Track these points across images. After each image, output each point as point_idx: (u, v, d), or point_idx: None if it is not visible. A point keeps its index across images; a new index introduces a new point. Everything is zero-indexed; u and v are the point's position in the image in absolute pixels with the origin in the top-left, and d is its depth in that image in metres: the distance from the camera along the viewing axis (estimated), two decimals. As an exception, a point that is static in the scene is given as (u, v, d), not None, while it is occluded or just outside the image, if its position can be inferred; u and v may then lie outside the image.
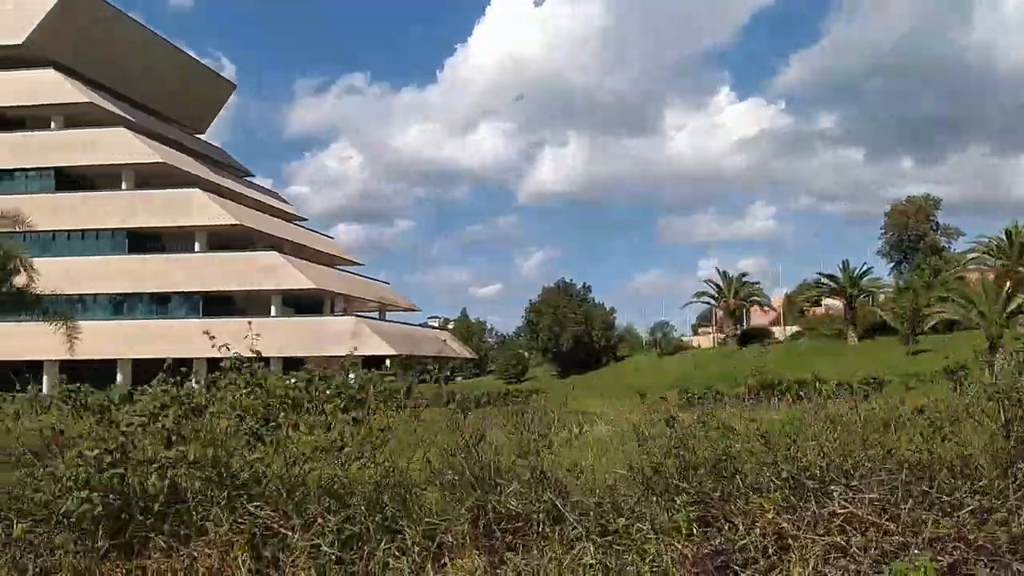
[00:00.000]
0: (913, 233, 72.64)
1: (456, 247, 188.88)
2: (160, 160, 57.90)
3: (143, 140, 59.15)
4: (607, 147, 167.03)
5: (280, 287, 57.07)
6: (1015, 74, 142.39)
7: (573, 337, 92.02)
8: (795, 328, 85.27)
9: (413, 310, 78.86)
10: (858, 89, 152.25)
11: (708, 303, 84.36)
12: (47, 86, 58.55)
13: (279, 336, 47.31)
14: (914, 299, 62.15)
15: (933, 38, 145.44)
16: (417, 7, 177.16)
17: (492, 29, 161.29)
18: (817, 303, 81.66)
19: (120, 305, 57.03)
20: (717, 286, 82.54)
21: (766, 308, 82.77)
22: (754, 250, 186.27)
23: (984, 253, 61.94)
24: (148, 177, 59.40)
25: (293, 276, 56.99)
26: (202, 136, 78.86)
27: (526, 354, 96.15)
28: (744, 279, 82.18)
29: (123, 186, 59.14)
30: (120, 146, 57.89)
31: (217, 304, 55.45)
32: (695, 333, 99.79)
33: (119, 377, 51.46)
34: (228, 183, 66.70)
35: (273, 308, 57.56)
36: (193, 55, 73.02)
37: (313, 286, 57.82)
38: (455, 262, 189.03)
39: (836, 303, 75.65)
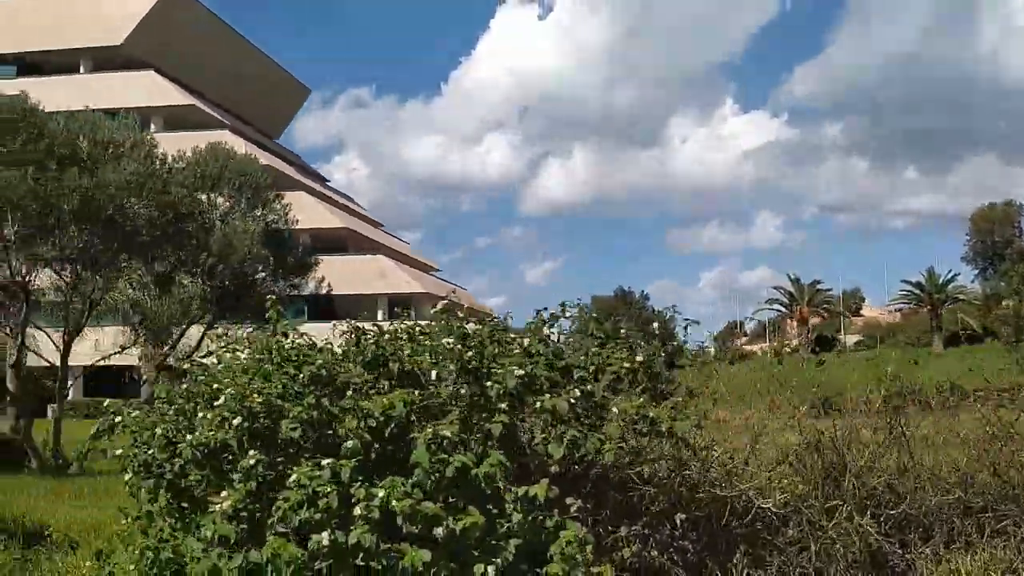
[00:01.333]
0: (999, 239, 72.74)
1: (462, 259, 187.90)
2: (267, 163, 56.00)
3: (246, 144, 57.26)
4: (613, 159, 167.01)
5: (390, 291, 55.59)
6: (1020, 85, 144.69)
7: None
8: (858, 337, 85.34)
9: (492, 316, 77.40)
10: (863, 100, 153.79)
11: (779, 311, 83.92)
12: (147, 87, 56.52)
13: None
14: (1020, 305, 61.98)
15: (938, 49, 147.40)
16: (422, 21, 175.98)
17: (497, 42, 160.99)
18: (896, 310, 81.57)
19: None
20: (789, 293, 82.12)
21: (845, 315, 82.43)
22: (761, 260, 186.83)
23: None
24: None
25: (403, 280, 55.66)
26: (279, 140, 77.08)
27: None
28: (817, 287, 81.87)
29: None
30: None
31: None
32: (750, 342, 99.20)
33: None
34: (317, 187, 65.27)
35: (380, 312, 55.89)
36: (273, 59, 70.87)
37: (421, 290, 56.48)
38: (459, 274, 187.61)
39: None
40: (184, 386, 6.45)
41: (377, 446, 5.57)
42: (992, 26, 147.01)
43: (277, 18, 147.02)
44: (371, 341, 6.26)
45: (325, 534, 5.00)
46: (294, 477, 5.28)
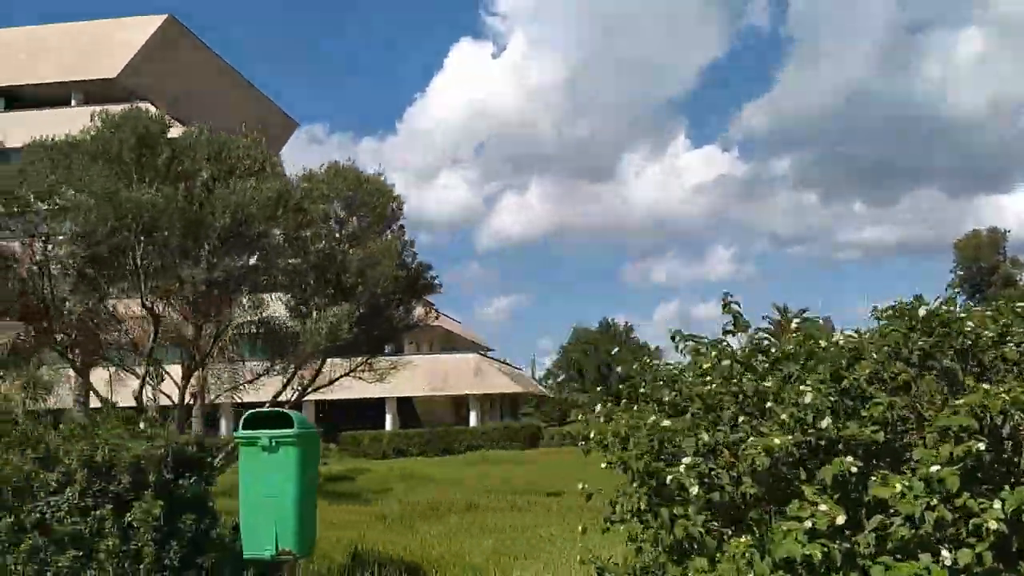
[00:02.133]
0: (984, 265, 73.95)
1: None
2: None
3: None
4: (568, 194, 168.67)
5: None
6: (962, 120, 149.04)
7: (622, 377, 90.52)
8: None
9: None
10: (810, 135, 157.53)
11: (767, 339, 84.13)
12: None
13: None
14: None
15: (882, 85, 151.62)
16: (374, 59, 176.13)
17: (452, 80, 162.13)
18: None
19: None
20: (776, 322, 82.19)
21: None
22: (715, 293, 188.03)
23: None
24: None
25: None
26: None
27: (568, 396, 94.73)
28: (804, 314, 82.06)
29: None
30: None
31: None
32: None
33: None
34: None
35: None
36: (262, 91, 69.98)
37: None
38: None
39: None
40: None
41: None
42: (934, 63, 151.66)
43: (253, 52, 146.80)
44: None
45: (943, 553, 4.44)
46: (888, 487, 4.69)
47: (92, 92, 56.39)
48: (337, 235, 16.51)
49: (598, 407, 6.30)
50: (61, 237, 15.58)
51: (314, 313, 16.13)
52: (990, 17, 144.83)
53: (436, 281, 17.67)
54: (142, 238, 14.88)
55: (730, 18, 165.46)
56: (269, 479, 6.34)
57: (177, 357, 18.33)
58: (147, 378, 16.50)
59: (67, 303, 16.30)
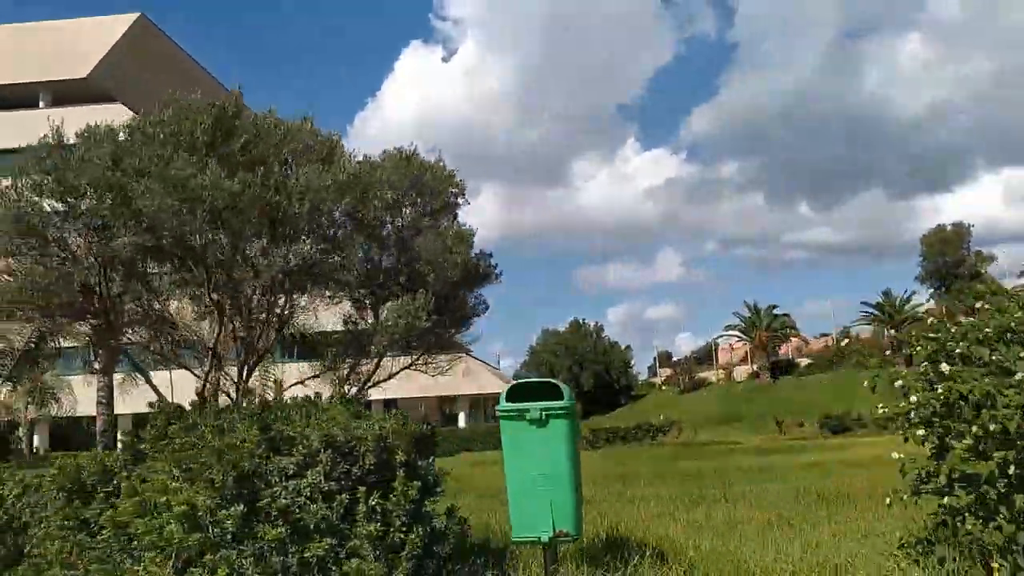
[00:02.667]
0: (951, 259, 75.17)
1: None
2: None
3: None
4: (520, 198, 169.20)
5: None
6: (906, 123, 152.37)
7: (594, 376, 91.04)
8: (807, 360, 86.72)
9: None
10: (756, 138, 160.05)
11: (740, 337, 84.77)
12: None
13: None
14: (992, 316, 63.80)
15: (827, 89, 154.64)
16: (324, 62, 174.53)
17: (402, 84, 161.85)
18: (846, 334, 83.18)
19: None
20: (748, 319, 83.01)
21: (806, 339, 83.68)
22: (665, 295, 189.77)
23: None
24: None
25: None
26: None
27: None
28: (774, 311, 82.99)
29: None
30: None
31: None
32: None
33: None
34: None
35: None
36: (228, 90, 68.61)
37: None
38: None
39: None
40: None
41: None
42: (877, 67, 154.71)
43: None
44: None
45: None
46: None
47: (61, 92, 55.00)
48: (403, 222, 15.91)
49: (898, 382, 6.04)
50: (123, 229, 14.84)
51: (387, 303, 15.57)
52: (931, 21, 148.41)
53: (496, 271, 17.13)
54: (216, 226, 14.22)
55: (679, 24, 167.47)
56: (539, 455, 5.89)
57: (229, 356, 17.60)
58: (208, 377, 15.82)
59: (125, 298, 15.58)
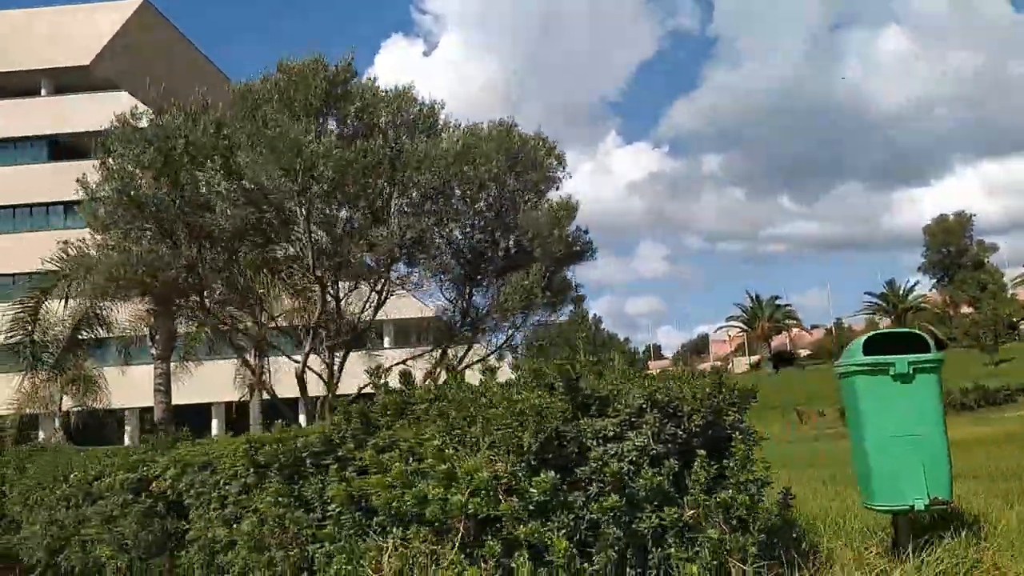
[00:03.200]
0: (954, 249, 75.31)
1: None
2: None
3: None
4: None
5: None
6: (884, 116, 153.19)
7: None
8: (806, 352, 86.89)
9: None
10: (737, 132, 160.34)
11: (742, 328, 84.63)
12: (121, 110, 52.64)
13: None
14: (994, 308, 64.03)
15: (807, 84, 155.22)
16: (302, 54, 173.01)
17: (383, 77, 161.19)
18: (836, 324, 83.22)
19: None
20: (750, 310, 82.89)
21: (808, 330, 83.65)
22: (647, 288, 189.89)
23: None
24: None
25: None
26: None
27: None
28: (776, 302, 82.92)
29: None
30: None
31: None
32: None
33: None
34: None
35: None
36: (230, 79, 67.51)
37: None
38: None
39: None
40: None
41: None
42: (856, 62, 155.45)
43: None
44: None
45: None
46: None
47: (63, 80, 53.85)
48: (505, 195, 15.23)
49: None
50: (225, 202, 14.10)
51: (497, 279, 14.95)
52: (911, 15, 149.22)
53: (592, 247, 16.48)
54: (328, 197, 13.54)
55: (660, 19, 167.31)
56: (906, 413, 5.31)
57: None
58: (307, 361, 15.12)
59: (221, 277, 14.83)
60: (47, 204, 52.60)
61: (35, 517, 11.76)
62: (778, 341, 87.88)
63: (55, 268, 18.57)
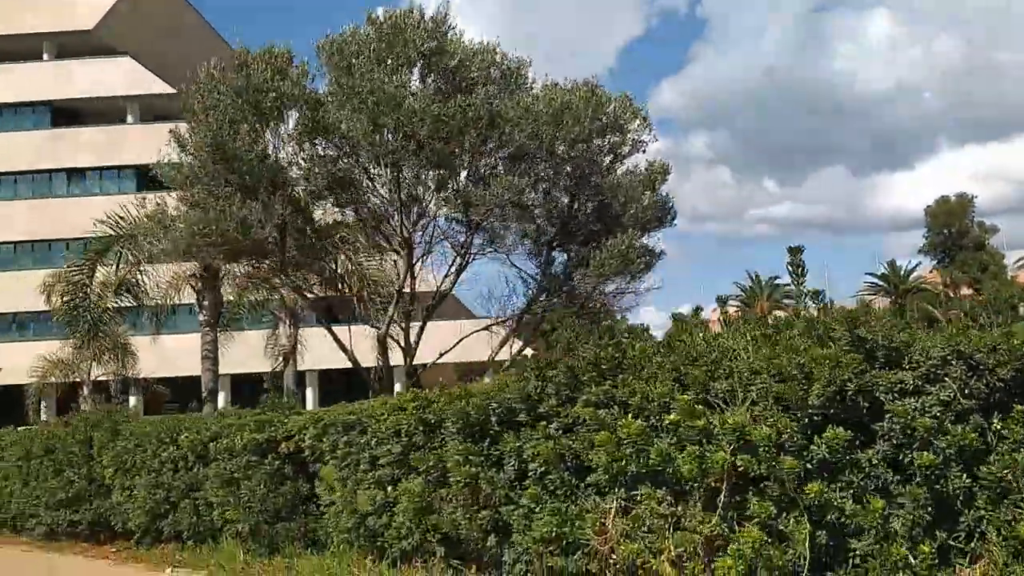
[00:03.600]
0: (955, 230, 75.31)
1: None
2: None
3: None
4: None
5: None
6: (870, 99, 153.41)
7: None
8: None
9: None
10: (724, 113, 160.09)
11: (740, 307, 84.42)
12: (126, 75, 51.84)
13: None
14: (996, 289, 64.26)
15: (795, 66, 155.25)
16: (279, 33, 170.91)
17: None
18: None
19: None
20: (749, 289, 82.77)
21: (806, 309, 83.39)
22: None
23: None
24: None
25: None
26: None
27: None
28: (775, 281, 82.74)
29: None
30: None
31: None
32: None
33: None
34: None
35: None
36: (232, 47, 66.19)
37: None
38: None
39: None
40: None
41: None
42: (845, 44, 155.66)
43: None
44: None
45: None
46: None
47: (66, 45, 52.65)
48: (592, 157, 14.76)
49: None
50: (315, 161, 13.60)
51: (587, 243, 14.53)
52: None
53: (673, 212, 16.00)
54: (419, 153, 13.03)
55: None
56: None
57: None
58: (390, 326, 14.65)
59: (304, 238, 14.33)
60: (49, 171, 51.57)
61: (133, 481, 11.28)
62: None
63: (110, 232, 17.96)
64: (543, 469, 6.69)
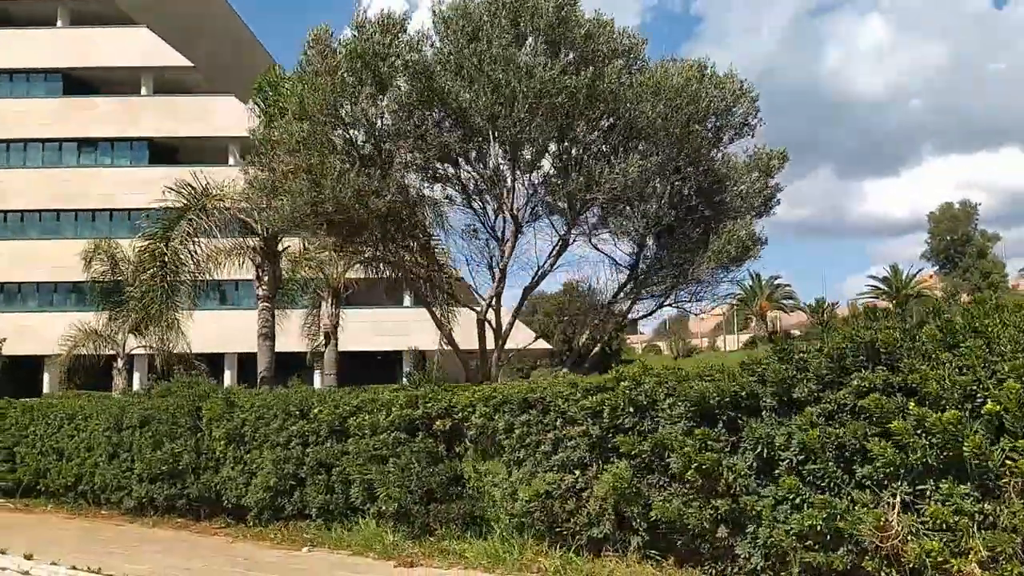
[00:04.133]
0: (958, 237, 75.64)
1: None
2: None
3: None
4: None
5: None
6: (860, 104, 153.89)
7: (591, 339, 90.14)
8: (797, 331, 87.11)
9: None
10: None
11: (737, 305, 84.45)
12: (142, 46, 50.92)
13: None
14: (999, 298, 64.51)
15: (787, 66, 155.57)
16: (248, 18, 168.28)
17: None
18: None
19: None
20: (749, 288, 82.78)
21: (806, 310, 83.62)
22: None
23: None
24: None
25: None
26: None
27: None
28: (776, 282, 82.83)
29: (230, 160, 51.85)
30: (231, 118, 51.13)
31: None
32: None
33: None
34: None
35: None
36: (244, 22, 65.15)
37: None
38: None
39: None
40: None
41: None
42: (838, 46, 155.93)
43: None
44: None
45: None
46: None
47: (81, 12, 51.66)
48: (704, 138, 14.29)
49: None
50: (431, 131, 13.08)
51: (698, 228, 14.12)
52: (891, 4, 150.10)
53: (776, 199, 15.52)
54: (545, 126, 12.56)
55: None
56: None
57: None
58: (491, 306, 14.20)
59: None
60: (60, 140, 50.61)
61: (252, 455, 10.77)
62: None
63: (180, 203, 17.36)
64: (801, 458, 6.26)
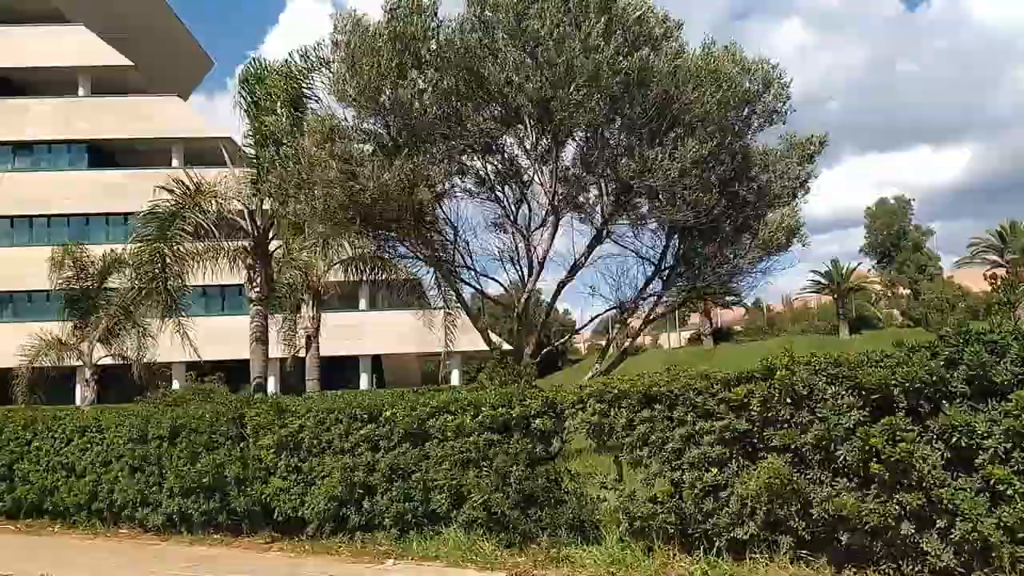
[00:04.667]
0: (894, 231, 77.01)
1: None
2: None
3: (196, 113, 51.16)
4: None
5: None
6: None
7: (537, 342, 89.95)
8: (738, 328, 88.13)
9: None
10: None
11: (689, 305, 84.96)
12: (79, 45, 49.10)
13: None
14: (942, 291, 66.09)
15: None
16: (205, 12, 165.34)
17: (286, 35, 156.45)
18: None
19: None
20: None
21: (747, 307, 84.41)
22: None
23: (986, 249, 66.48)
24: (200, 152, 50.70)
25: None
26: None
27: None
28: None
29: (173, 162, 50.32)
30: (175, 119, 49.69)
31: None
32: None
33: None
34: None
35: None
36: (183, 22, 63.22)
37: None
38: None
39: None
40: None
41: None
42: (758, 50, 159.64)
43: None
44: None
45: None
46: None
47: (12, 9, 49.55)
48: (737, 125, 13.95)
49: None
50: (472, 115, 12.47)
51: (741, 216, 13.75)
52: (810, 7, 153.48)
53: (809, 185, 15.22)
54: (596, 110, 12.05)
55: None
56: None
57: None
58: (530, 295, 13.63)
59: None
60: (-6, 144, 48.56)
61: (311, 464, 10.02)
62: (696, 319, 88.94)
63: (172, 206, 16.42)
64: (1008, 446, 5.85)
